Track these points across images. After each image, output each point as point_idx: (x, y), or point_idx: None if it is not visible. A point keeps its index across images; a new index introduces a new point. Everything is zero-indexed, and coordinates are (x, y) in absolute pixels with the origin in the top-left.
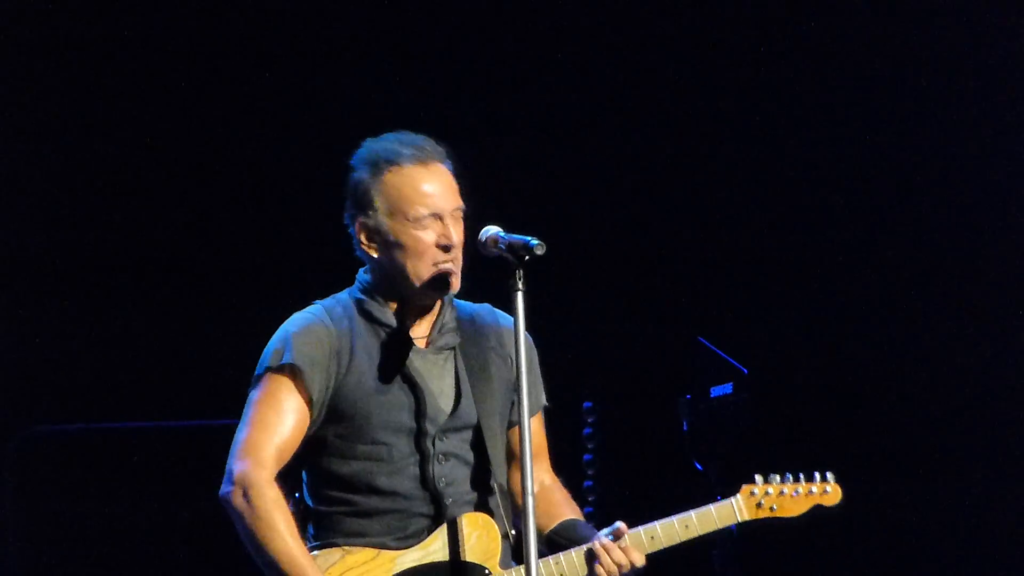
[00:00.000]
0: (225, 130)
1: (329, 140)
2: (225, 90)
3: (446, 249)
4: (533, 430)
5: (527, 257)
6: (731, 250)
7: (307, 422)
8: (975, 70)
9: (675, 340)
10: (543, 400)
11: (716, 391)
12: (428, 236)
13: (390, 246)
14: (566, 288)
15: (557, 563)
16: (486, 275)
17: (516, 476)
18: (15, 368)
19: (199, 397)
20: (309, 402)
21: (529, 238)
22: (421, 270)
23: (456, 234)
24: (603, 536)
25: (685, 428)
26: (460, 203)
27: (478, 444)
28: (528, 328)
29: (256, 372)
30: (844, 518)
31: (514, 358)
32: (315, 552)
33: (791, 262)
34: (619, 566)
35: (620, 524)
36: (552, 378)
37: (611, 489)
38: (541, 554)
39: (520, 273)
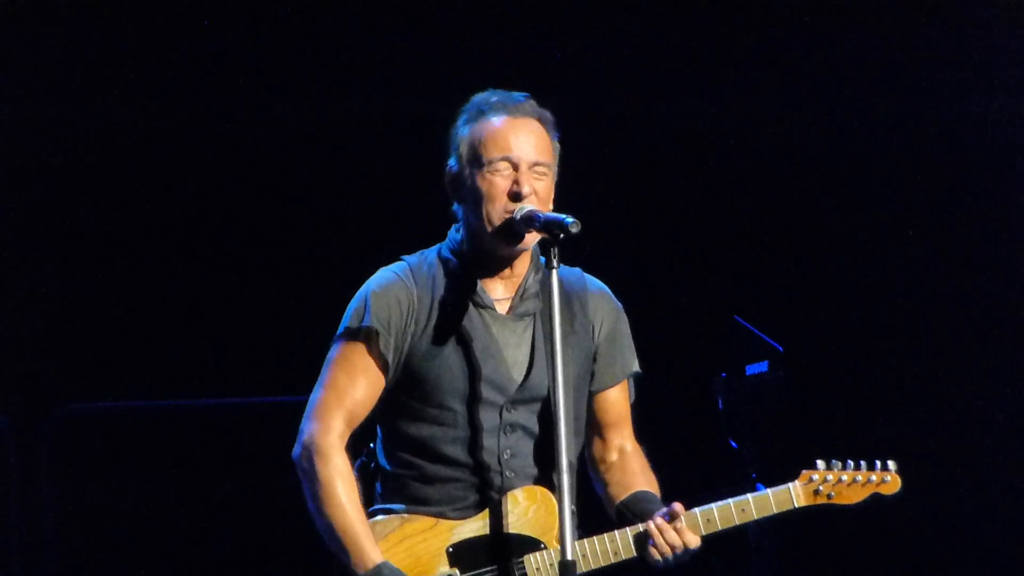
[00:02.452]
0: (288, 94)
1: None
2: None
3: (515, 197)
4: (616, 398)
5: (562, 235)
6: (768, 227)
7: (380, 385)
8: None
9: (711, 318)
10: (632, 368)
11: (751, 369)
12: (500, 182)
13: (468, 192)
14: (601, 266)
15: (612, 541)
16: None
17: (598, 445)
18: (52, 346)
19: (238, 375)
20: (383, 365)
21: (564, 216)
22: (493, 216)
23: (529, 183)
24: (658, 516)
25: (720, 406)
26: (543, 159)
27: (546, 416)
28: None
29: (338, 330)
30: (882, 502)
31: (589, 324)
32: (377, 517)
33: (828, 239)
34: (672, 547)
35: (676, 505)
36: None
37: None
38: (603, 528)
39: (555, 251)
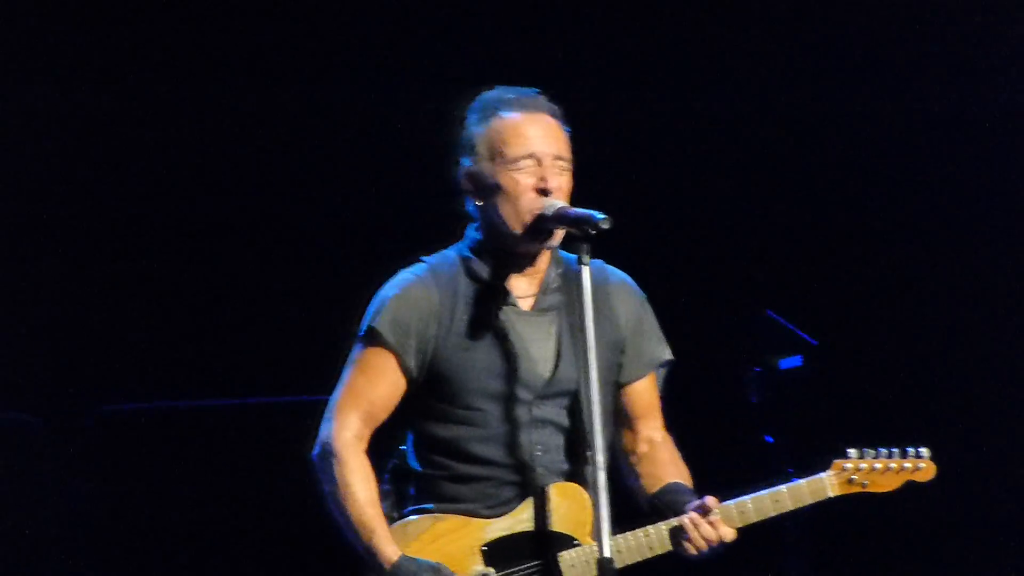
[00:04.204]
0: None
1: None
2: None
3: (543, 193)
4: (645, 388)
5: (593, 231)
6: (801, 220)
7: (401, 386)
8: None
9: (743, 313)
10: (660, 356)
11: (785, 364)
12: (525, 178)
13: (490, 190)
14: (633, 261)
15: (647, 535)
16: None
17: (627, 437)
18: (88, 347)
19: (275, 374)
20: (404, 368)
21: (594, 212)
22: (521, 214)
23: (554, 178)
24: (692, 510)
25: (754, 401)
26: (563, 152)
27: (575, 411)
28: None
29: (358, 332)
30: (918, 492)
31: (612, 317)
32: (409, 518)
33: (862, 231)
34: (707, 540)
35: (709, 498)
36: None
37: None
38: (636, 522)
39: (586, 248)
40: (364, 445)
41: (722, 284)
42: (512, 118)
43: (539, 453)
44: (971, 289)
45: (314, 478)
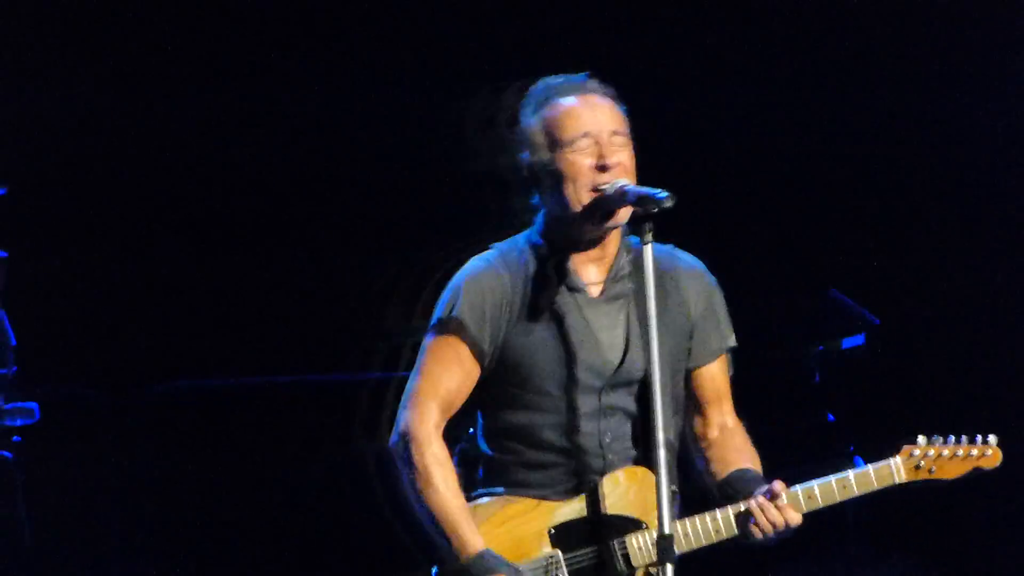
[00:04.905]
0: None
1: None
2: None
3: (603, 169)
4: (715, 374)
5: (655, 209)
6: (864, 199)
7: (476, 373)
8: None
9: (807, 292)
10: (728, 342)
11: (848, 342)
12: (583, 159)
13: (551, 178)
14: (696, 239)
15: (713, 519)
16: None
17: (698, 423)
18: (148, 322)
19: (324, 352)
20: (478, 354)
21: (657, 190)
22: (581, 194)
23: (613, 154)
24: (759, 495)
25: (816, 380)
26: (620, 127)
27: (644, 398)
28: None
29: (432, 321)
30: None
31: (683, 301)
32: (479, 500)
33: (926, 211)
34: (774, 524)
35: (777, 483)
36: None
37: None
38: (709, 506)
39: (649, 226)
40: (440, 433)
41: (786, 263)
42: (564, 103)
43: (608, 440)
44: None
45: (392, 466)
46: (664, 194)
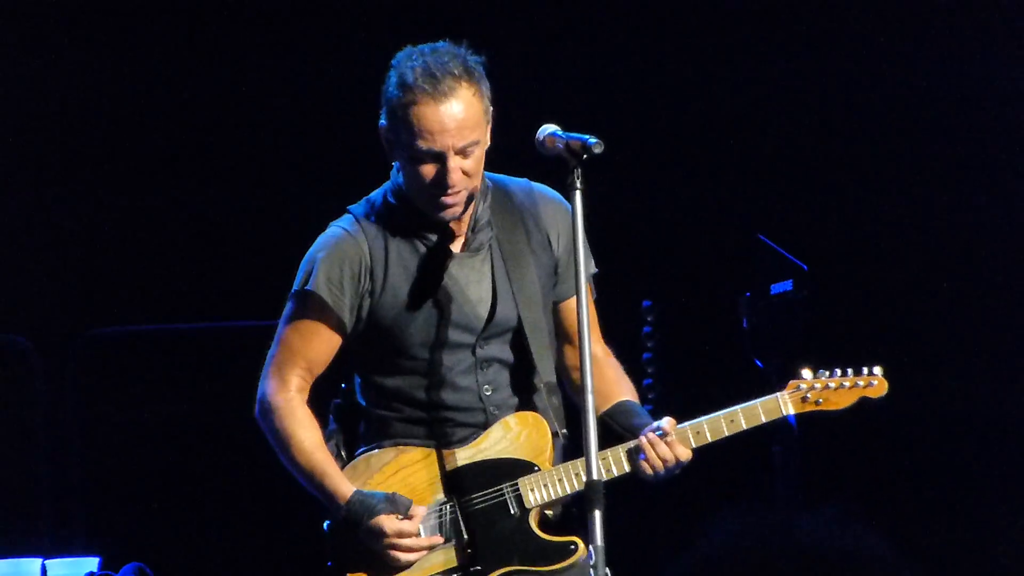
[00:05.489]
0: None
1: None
2: None
3: (442, 189)
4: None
5: (585, 156)
6: (790, 145)
7: (336, 342)
8: None
9: (735, 237)
10: (591, 269)
11: (776, 288)
12: (424, 173)
13: (398, 162)
14: (624, 187)
15: (604, 458)
16: (546, 171)
17: (569, 353)
18: (76, 270)
19: (258, 298)
20: (337, 324)
21: (587, 136)
22: (421, 201)
23: (456, 173)
24: (649, 431)
25: (745, 325)
26: (470, 138)
27: (520, 344)
28: (587, 227)
29: (291, 291)
30: (904, 418)
31: (547, 237)
32: (370, 451)
33: (851, 157)
34: (664, 461)
35: (666, 421)
36: (611, 278)
37: (670, 387)
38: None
39: (579, 172)
40: (305, 396)
41: (714, 209)
42: (415, 106)
43: (488, 393)
44: (958, 217)
45: (262, 435)
46: (594, 140)
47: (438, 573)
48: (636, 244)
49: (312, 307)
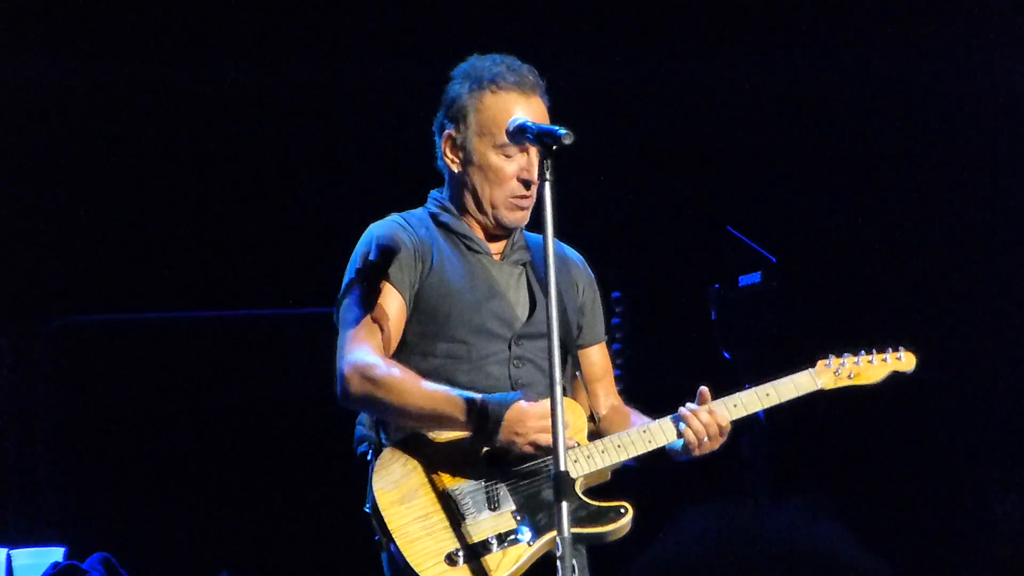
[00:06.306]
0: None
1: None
2: None
3: (526, 185)
4: (600, 356)
5: (555, 146)
6: (759, 139)
7: (403, 318)
8: None
9: (704, 230)
10: (603, 333)
11: (744, 280)
12: (511, 167)
13: (472, 166)
14: (595, 178)
15: (646, 431)
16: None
17: (590, 401)
18: (45, 259)
19: (228, 288)
20: (400, 301)
21: (557, 127)
22: (497, 198)
23: (536, 170)
24: (689, 404)
25: (713, 317)
26: None
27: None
28: (558, 220)
29: (347, 278)
30: (874, 410)
31: (573, 283)
32: (405, 439)
33: (818, 150)
34: (706, 426)
35: (703, 388)
36: None
37: (640, 378)
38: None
39: (549, 163)
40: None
41: (684, 201)
42: (506, 97)
43: (523, 387)
44: (929, 208)
45: (362, 409)
46: (564, 131)
47: (491, 537)
48: (606, 236)
49: (381, 281)
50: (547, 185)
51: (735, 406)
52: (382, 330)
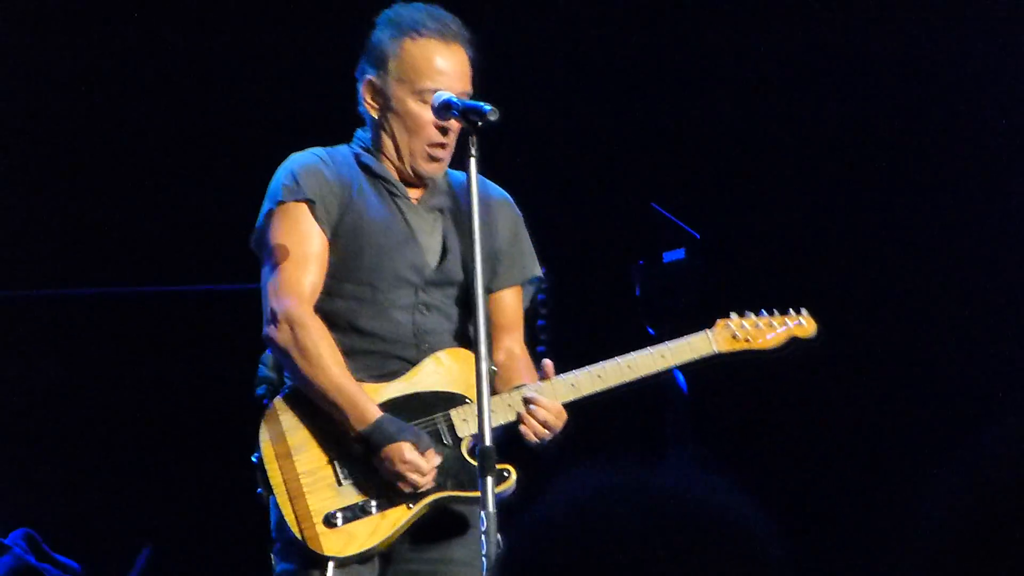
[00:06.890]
0: None
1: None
2: None
3: (443, 132)
4: (511, 301)
5: (480, 123)
6: (684, 114)
7: (327, 252)
8: None
9: (628, 206)
10: (531, 272)
11: (668, 256)
12: (428, 114)
13: (391, 112)
14: (518, 154)
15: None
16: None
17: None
18: (33, 230)
19: (153, 262)
20: (324, 237)
21: (482, 104)
22: (414, 146)
23: (456, 121)
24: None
25: (638, 293)
26: (469, 89)
27: (462, 302)
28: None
29: (266, 208)
30: (797, 380)
31: (491, 226)
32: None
33: (744, 124)
34: (545, 422)
35: (546, 361)
36: None
37: (565, 354)
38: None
39: (473, 139)
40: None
41: (608, 177)
42: (426, 44)
43: (426, 334)
44: (855, 186)
45: (276, 354)
46: (489, 108)
47: (370, 499)
48: (530, 211)
49: (304, 213)
50: (472, 161)
51: (629, 367)
52: (310, 271)
